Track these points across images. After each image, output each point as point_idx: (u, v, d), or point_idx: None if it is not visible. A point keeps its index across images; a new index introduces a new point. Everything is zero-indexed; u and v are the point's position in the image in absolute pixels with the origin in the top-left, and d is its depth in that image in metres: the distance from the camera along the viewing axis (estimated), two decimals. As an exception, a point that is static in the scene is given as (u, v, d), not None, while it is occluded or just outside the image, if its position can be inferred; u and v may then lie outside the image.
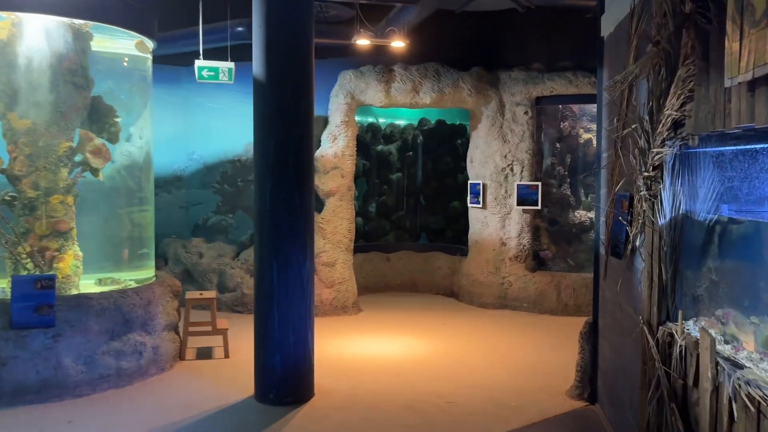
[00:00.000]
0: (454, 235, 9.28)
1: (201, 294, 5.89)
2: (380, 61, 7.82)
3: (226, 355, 5.69)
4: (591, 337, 4.48)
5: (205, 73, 6.55)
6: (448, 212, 9.44)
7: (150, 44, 5.77)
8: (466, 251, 8.47)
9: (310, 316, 4.64)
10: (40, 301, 4.53)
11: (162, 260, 7.97)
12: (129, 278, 5.66)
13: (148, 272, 5.82)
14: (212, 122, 8.14)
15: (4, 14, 4.89)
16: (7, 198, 5.17)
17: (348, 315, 7.52)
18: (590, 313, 4.45)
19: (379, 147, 9.49)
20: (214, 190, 8.17)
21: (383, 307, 8.01)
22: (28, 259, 5.04)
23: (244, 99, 8.05)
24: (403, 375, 5.27)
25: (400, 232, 9.51)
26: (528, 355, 5.93)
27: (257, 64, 4.55)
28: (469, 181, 8.30)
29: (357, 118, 8.06)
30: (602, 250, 4.21)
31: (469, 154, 8.37)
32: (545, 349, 6.11)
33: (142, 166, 5.81)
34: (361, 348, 6.10)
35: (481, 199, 8.06)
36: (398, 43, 6.75)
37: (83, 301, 4.71)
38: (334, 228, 7.53)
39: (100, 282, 5.19)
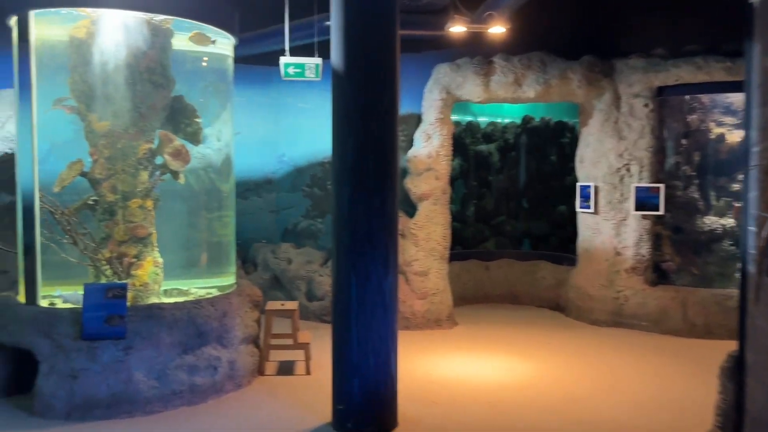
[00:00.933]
0: (560, 243, 8.45)
1: (282, 305, 5.53)
2: (478, 53, 7.19)
3: (308, 372, 5.28)
4: (736, 374, 3.64)
5: (291, 70, 6.21)
6: (554, 217, 8.62)
7: (231, 40, 5.49)
8: (574, 261, 7.64)
9: (392, 337, 4.11)
10: (111, 311, 4.30)
11: (252, 266, 7.77)
12: (209, 285, 5.40)
13: (228, 279, 5.53)
14: (302, 123, 7.84)
15: (83, 12, 4.75)
16: (89, 202, 5.04)
17: (442, 329, 6.93)
18: (725, 336, 3.66)
19: (478, 147, 8.83)
20: (303, 194, 7.86)
21: (481, 320, 7.36)
22: (107, 266, 4.87)
23: (333, 98, 7.69)
24: (501, 405, 4.62)
25: (500, 238, 8.80)
26: (650, 385, 5.09)
27: (335, 54, 4.10)
28: (578, 183, 7.47)
29: (454, 117, 7.46)
30: (751, 267, 3.38)
31: (578, 153, 7.54)
32: (671, 379, 5.23)
33: (221, 169, 5.54)
34: (454, 368, 5.50)
35: (592, 203, 7.21)
36: (498, 29, 6.09)
37: (155, 312, 4.45)
38: (427, 234, 6.98)
39: (165, 293, 4.94)
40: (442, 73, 7.13)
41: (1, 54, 5.19)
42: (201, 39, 5.14)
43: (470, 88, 7.06)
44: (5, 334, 4.46)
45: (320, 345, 5.89)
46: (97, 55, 4.74)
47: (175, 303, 4.63)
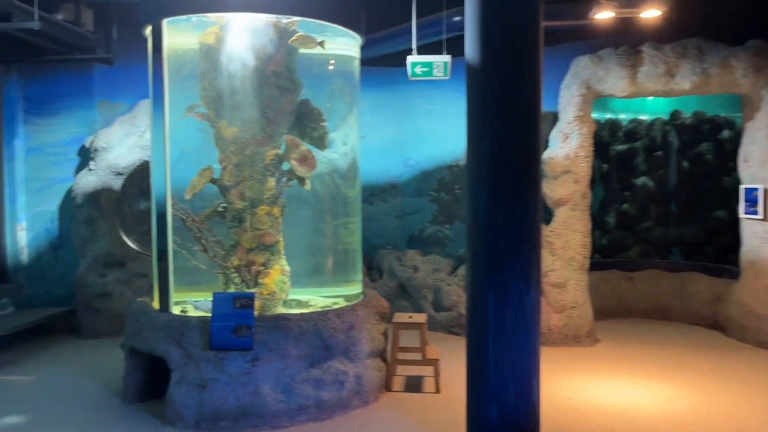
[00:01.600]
0: (717, 252, 7.51)
1: (410, 317, 5.23)
2: (623, 42, 6.51)
3: (437, 390, 4.94)
4: None
5: (418, 69, 5.92)
6: (709, 223, 7.67)
7: (358, 40, 5.29)
8: (736, 273, 6.72)
9: (535, 360, 3.66)
10: (239, 322, 4.21)
11: (377, 273, 7.57)
12: (335, 295, 5.22)
13: (354, 289, 5.32)
14: (428, 125, 7.53)
15: (212, 19, 4.73)
16: (219, 209, 5.02)
17: (581, 347, 6.32)
18: None
19: (620, 146, 8.08)
20: (430, 199, 7.55)
21: (625, 338, 6.65)
22: (236, 274, 4.81)
23: (462, 97, 7.28)
24: (660, 442, 4.02)
25: (645, 246, 7.98)
26: None
27: (470, 46, 3.72)
28: (741, 186, 6.56)
29: (593, 115, 6.82)
30: None
31: (741, 151, 6.62)
32: None
33: (347, 174, 5.34)
34: (599, 394, 4.92)
35: (760, 207, 6.29)
36: (652, 12, 5.41)
37: (281, 323, 4.30)
38: (565, 242, 6.40)
39: (284, 304, 4.78)
40: (581, 66, 6.53)
41: (142, 65, 5.30)
42: (306, 41, 4.85)
43: (614, 81, 6.40)
44: (140, 340, 4.51)
45: (450, 359, 5.54)
46: (225, 60, 4.71)
47: (302, 314, 4.46)
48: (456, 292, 6.88)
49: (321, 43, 4.84)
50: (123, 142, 6.84)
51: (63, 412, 4.54)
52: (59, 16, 6.45)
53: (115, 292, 6.72)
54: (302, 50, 4.93)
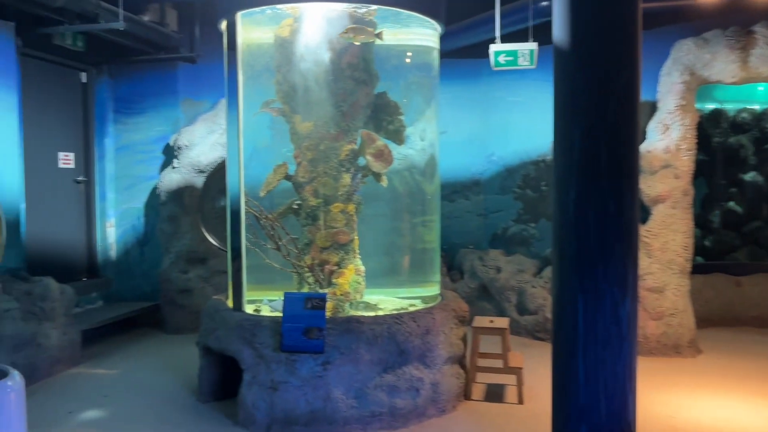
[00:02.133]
0: (842, 256, 6.71)
1: (491, 321, 4.92)
2: (732, 23, 5.89)
3: (520, 401, 4.61)
4: None
5: (501, 59, 5.58)
6: (833, 224, 6.88)
7: (438, 30, 5.02)
8: None
9: (630, 376, 3.27)
10: (310, 323, 4.05)
11: (458, 273, 7.28)
12: (412, 296, 4.98)
13: (432, 290, 5.07)
14: (513, 118, 7.15)
15: (287, 11, 4.61)
16: (294, 206, 4.91)
17: (682, 357, 5.78)
18: None
19: (725, 139, 7.37)
20: (514, 196, 7.17)
21: (732, 349, 6.03)
22: (310, 273, 4.68)
23: (548, 88, 6.86)
24: (779, 473, 3.53)
25: (754, 248, 7.26)
26: None
27: (558, 28, 3.37)
28: None
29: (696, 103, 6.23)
30: None
31: None
32: None
33: (424, 170, 5.09)
34: (702, 412, 4.43)
35: None
36: (768, -14, 4.83)
37: (354, 325, 4.11)
38: (663, 244, 5.87)
39: (351, 305, 4.57)
40: (683, 50, 5.97)
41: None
42: (358, 33, 4.48)
43: (721, 66, 5.80)
44: (213, 339, 4.46)
45: (534, 367, 5.19)
46: (299, 53, 4.57)
47: (375, 317, 4.26)
48: (542, 295, 6.49)
49: (378, 35, 4.55)
50: (205, 140, 6.90)
51: (140, 408, 4.56)
52: (146, 18, 6.59)
53: (197, 289, 6.79)
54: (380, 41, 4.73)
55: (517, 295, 6.75)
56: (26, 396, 4.85)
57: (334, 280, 4.62)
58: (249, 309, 4.59)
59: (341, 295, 4.58)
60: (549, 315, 6.35)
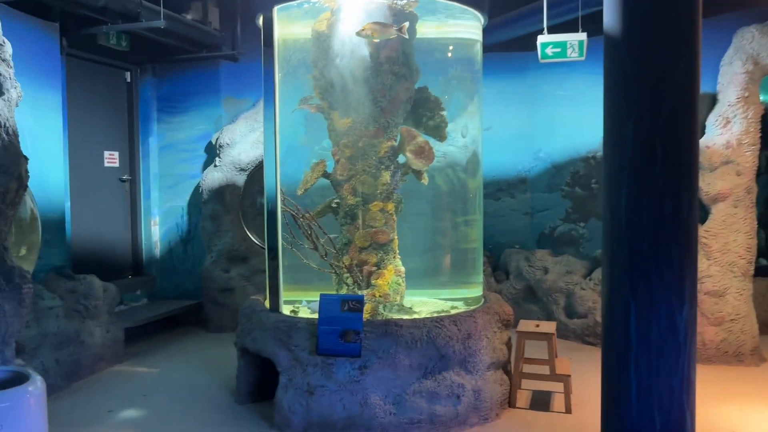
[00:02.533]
0: None
1: (537, 326, 4.69)
2: (801, 8, 5.50)
3: (568, 410, 4.38)
4: None
5: (549, 50, 5.34)
6: None
7: (480, 21, 4.83)
8: None
9: (688, 387, 3.03)
10: (347, 326, 3.93)
11: (503, 274, 7.05)
12: (453, 297, 4.81)
13: (474, 291, 4.88)
14: (560, 113, 6.87)
15: (324, 4, 4.50)
16: (333, 205, 4.80)
17: (744, 366, 5.42)
18: None
19: (793, 132, 6.91)
20: (562, 194, 6.89)
21: (800, 358, 5.64)
22: (348, 274, 4.56)
23: (598, 81, 6.54)
24: None
25: (824, 249, 6.77)
26: None
27: (610, 15, 3.14)
28: None
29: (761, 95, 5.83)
30: None
31: None
32: None
33: (467, 167, 4.90)
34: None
35: None
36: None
37: (392, 329, 3.96)
38: (723, 245, 5.52)
39: (384, 308, 4.40)
40: (747, 38, 5.59)
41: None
42: (378, 31, 4.16)
43: (788, 54, 5.41)
44: (250, 340, 4.38)
45: (583, 373, 4.95)
46: (337, 47, 4.44)
47: (414, 320, 4.10)
48: (591, 298, 6.20)
49: (400, 29, 4.22)
50: (246, 138, 6.87)
51: (178, 408, 4.53)
52: (188, 16, 6.60)
53: (238, 287, 6.77)
54: (422, 34, 4.57)
55: (565, 298, 6.48)
56: (69, 393, 4.93)
57: (373, 282, 4.48)
58: (286, 310, 4.50)
59: (380, 296, 4.44)
60: (599, 319, 6.07)
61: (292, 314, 4.44)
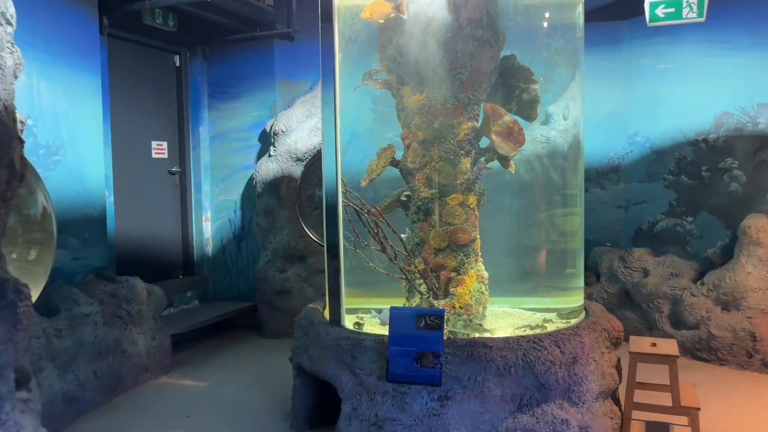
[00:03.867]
0: None
1: (653, 345, 3.83)
2: None
3: (696, 450, 3.52)
4: None
5: (660, 11, 4.43)
6: None
7: (582, -26, 3.99)
8: None
9: None
10: (423, 347, 3.20)
11: (593, 275, 6.17)
12: (545, 308, 4.02)
13: (573, 301, 4.06)
14: (663, 90, 5.91)
15: (392, -43, 3.76)
16: (402, 198, 4.08)
17: None
18: None
19: None
20: (665, 183, 5.93)
21: None
22: (421, 281, 3.83)
23: (715, 50, 5.61)
24: None
25: None
26: None
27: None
28: None
29: None
30: None
31: None
32: None
33: (567, 155, 4.09)
34: None
35: None
36: None
37: (479, 351, 3.21)
38: None
39: (448, 322, 3.60)
40: None
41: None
42: (377, 9, 3.60)
43: None
44: (306, 358, 3.72)
45: (703, 399, 4.06)
46: (408, 10, 3.69)
47: (506, 340, 3.32)
48: (704, 306, 5.26)
49: (398, 7, 3.55)
50: (303, 125, 6.22)
51: (225, 434, 3.93)
52: (239, -8, 6.00)
53: (295, 289, 6.15)
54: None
55: (670, 305, 5.55)
56: (107, 411, 4.40)
57: (451, 290, 3.74)
58: (349, 321, 3.81)
59: (461, 308, 3.69)
60: (715, 331, 5.14)
61: (356, 327, 3.75)
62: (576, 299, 4.05)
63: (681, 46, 5.72)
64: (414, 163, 3.84)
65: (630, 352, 3.71)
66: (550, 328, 3.68)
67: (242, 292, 6.68)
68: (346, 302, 3.91)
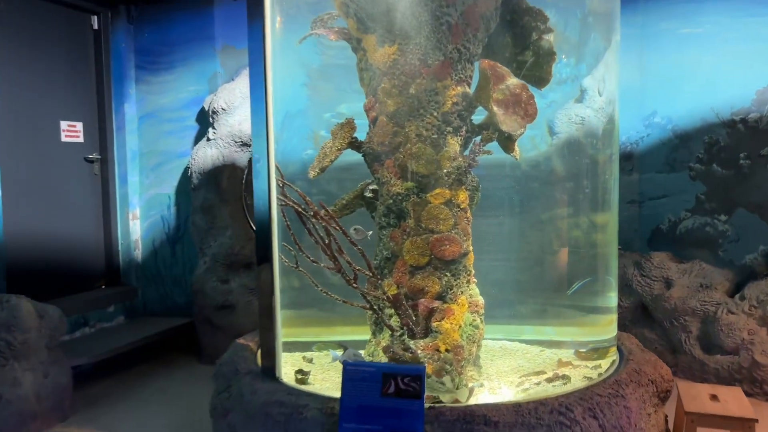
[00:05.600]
0: None
1: (715, 399, 2.76)
2: None
3: None
4: None
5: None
6: None
7: None
8: None
9: None
10: (394, 426, 2.09)
11: (600, 284, 5.10)
12: (564, 339, 2.95)
13: (602, 329, 2.99)
14: (687, 60, 4.85)
15: None
16: (366, 194, 2.97)
17: None
18: None
19: None
20: (691, 174, 4.88)
21: None
22: (393, 311, 2.71)
23: (757, 8, 4.57)
24: None
25: None
26: None
27: None
28: None
29: None
30: None
31: None
32: None
33: (601, 140, 3.01)
34: None
35: None
36: None
37: (479, 428, 2.10)
38: None
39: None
40: None
41: None
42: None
43: None
44: (226, 427, 2.58)
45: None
46: None
47: (516, 408, 2.21)
48: (746, 326, 4.24)
49: None
50: (248, 101, 5.04)
51: None
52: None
53: (240, 303, 4.99)
54: None
55: (699, 323, 4.52)
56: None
57: (434, 325, 2.63)
58: (294, 365, 2.69)
59: (448, 350, 2.58)
60: (761, 358, 4.12)
61: (299, 379, 2.63)
62: (606, 328, 2.98)
63: (712, 5, 4.66)
64: (382, 144, 2.72)
65: (686, 413, 2.64)
66: (574, 377, 2.60)
67: (178, 305, 5.51)
68: (294, 333, 2.82)
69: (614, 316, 3.02)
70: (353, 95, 2.88)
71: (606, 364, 2.73)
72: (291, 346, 3.03)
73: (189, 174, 5.20)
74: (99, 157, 5.36)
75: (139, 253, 5.58)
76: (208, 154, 5.06)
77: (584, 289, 3.01)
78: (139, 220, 5.57)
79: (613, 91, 3.02)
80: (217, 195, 5.06)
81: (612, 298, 3.03)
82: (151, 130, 5.50)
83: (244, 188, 5.08)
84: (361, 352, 2.80)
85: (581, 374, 2.63)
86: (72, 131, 5.13)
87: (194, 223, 5.18)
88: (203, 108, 5.28)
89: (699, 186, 4.81)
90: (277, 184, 2.61)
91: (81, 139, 5.21)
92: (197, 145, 5.20)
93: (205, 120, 5.27)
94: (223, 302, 5.00)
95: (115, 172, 5.45)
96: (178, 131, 5.44)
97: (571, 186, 2.99)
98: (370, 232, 2.77)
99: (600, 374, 2.60)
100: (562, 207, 3.04)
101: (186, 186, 5.38)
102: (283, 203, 2.62)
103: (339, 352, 2.97)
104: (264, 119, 2.61)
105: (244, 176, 5.05)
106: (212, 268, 5.04)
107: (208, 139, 5.11)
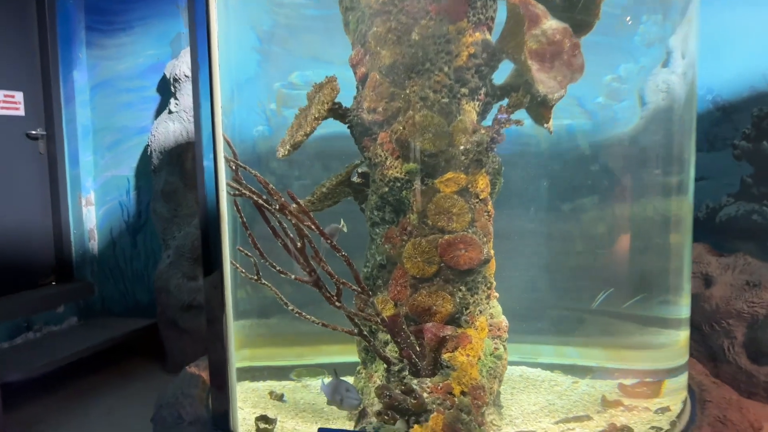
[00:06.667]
0: None
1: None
2: None
3: None
4: None
5: None
6: None
7: None
8: None
9: None
10: None
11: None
12: (608, 365, 2.28)
13: (668, 353, 2.31)
14: (730, 20, 4.13)
15: None
16: (355, 179, 2.27)
17: None
18: None
19: None
20: (735, 153, 4.18)
21: None
22: (390, 338, 2.01)
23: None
24: None
25: None
26: None
27: None
28: None
29: None
30: None
31: None
32: None
33: (682, 113, 2.35)
34: None
35: None
36: None
37: None
38: None
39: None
40: None
41: None
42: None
43: None
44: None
45: None
46: None
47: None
48: (806, 334, 3.59)
49: None
50: (217, 67, 4.29)
51: None
52: None
53: (209, 304, 4.29)
54: None
55: (746, 328, 3.86)
56: None
57: (445, 358, 1.93)
58: (254, 405, 1.99)
59: (464, 393, 1.89)
60: (825, 372, 3.47)
61: (261, 430, 1.94)
62: (674, 351, 2.29)
63: (765, -47, 3.94)
64: (375, 111, 2.00)
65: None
66: (637, 427, 1.92)
67: (141, 304, 4.81)
68: (264, 355, 2.13)
69: (686, 333, 2.34)
70: (309, 62, 2.17)
71: (674, 404, 2.05)
72: (260, 373, 2.35)
73: (149, 153, 4.46)
74: (44, 133, 4.60)
75: (94, 244, 4.85)
76: (170, 130, 4.32)
77: (639, 315, 2.33)
78: (93, 207, 4.83)
79: (694, 52, 2.33)
80: (180, 178, 4.33)
81: (684, 309, 2.35)
82: (106, 101, 4.73)
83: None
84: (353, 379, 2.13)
85: (645, 421, 1.95)
86: (10, 102, 4.37)
87: (155, 210, 4.45)
88: (165, 75, 4.52)
89: (745, 167, 4.11)
90: (228, 167, 1.89)
91: (21, 112, 4.45)
92: (158, 119, 4.45)
93: (167, 90, 4.52)
94: (189, 302, 4.29)
95: (64, 150, 4.70)
96: (137, 103, 4.68)
97: (637, 172, 2.30)
98: (343, 225, 2.08)
99: (673, 422, 1.92)
100: (612, 198, 2.35)
101: (148, 167, 4.64)
102: (237, 193, 1.89)
103: (327, 379, 2.28)
104: (207, 77, 1.88)
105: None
106: (177, 263, 4.33)
107: (170, 112, 4.36)
